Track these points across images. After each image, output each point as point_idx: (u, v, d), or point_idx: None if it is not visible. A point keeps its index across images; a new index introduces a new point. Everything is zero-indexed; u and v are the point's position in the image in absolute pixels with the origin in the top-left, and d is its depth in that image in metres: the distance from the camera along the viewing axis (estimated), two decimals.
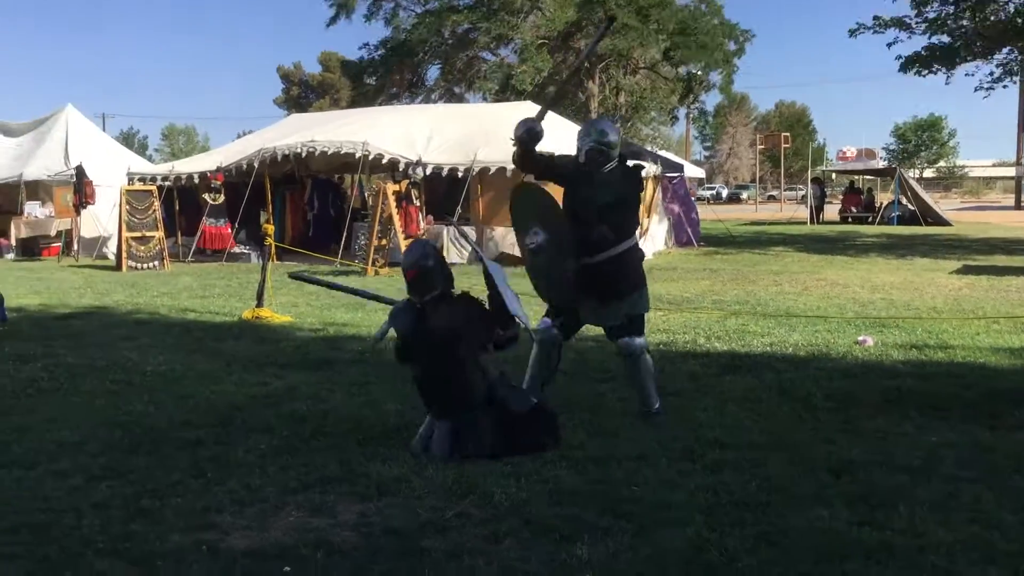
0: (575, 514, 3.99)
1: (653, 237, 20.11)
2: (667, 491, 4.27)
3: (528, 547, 3.65)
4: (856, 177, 39.79)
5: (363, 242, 16.27)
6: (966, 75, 26.25)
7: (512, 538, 3.74)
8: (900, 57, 24.96)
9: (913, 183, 33.65)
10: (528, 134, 5.42)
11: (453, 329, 4.94)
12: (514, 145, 5.50)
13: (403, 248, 15.64)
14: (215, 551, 3.65)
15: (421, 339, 5.00)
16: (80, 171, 19.44)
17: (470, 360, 4.98)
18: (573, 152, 5.62)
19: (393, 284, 13.73)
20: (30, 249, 20.96)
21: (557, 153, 6.05)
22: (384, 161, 17.64)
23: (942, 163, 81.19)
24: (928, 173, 79.34)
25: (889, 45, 25.06)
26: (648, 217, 20.16)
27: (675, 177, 22.50)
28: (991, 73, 25.03)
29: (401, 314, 5.13)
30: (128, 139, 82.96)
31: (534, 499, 4.18)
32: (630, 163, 5.60)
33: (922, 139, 78.45)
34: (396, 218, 15.76)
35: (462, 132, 18.43)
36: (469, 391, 4.94)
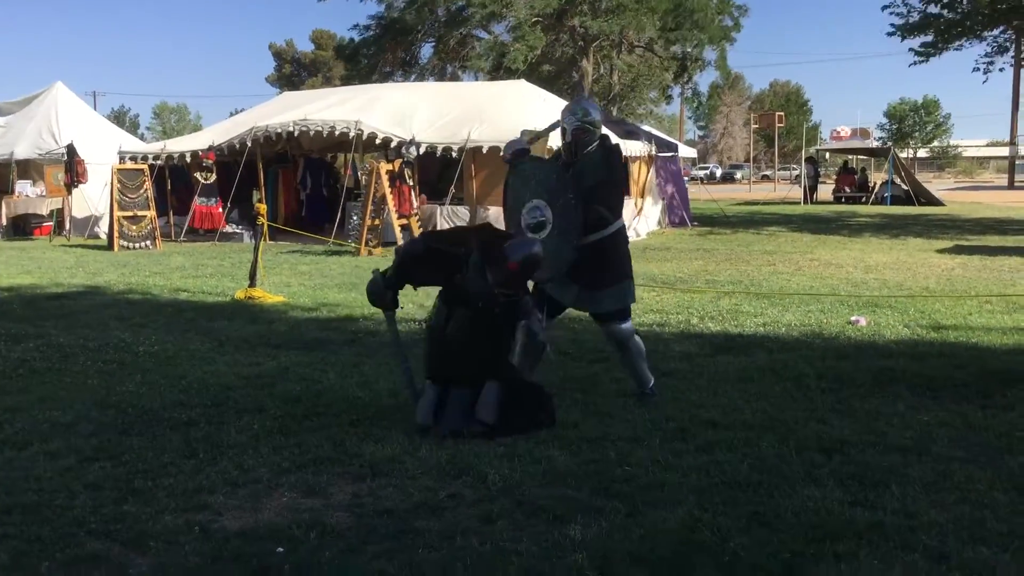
0: (568, 494, 4.00)
1: (647, 217, 20.10)
2: (660, 471, 4.27)
3: (521, 527, 3.65)
4: (850, 157, 39.75)
5: (356, 222, 16.21)
6: (955, 49, 26.23)
7: (505, 519, 3.74)
8: (894, 26, 24.92)
9: (902, 163, 33.63)
10: (518, 155, 5.53)
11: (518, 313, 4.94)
12: (507, 162, 5.56)
13: (396, 228, 15.63)
14: (207, 532, 3.64)
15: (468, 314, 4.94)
16: (71, 150, 19.33)
17: (500, 333, 4.99)
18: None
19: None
20: (21, 229, 20.85)
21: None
22: (377, 140, 17.56)
23: (936, 143, 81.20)
24: (922, 153, 79.36)
25: (884, 8, 25.02)
26: (642, 197, 20.15)
27: (669, 157, 22.45)
28: (985, 53, 25.02)
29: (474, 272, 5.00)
30: (119, 117, 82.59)
31: (527, 479, 4.18)
32: (611, 142, 5.58)
33: (916, 120, 78.41)
34: (389, 198, 15.70)
35: (455, 111, 18.35)
36: (490, 362, 4.94)
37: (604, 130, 5.73)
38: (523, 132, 5.74)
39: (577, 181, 5.30)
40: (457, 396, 4.91)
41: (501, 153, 5.66)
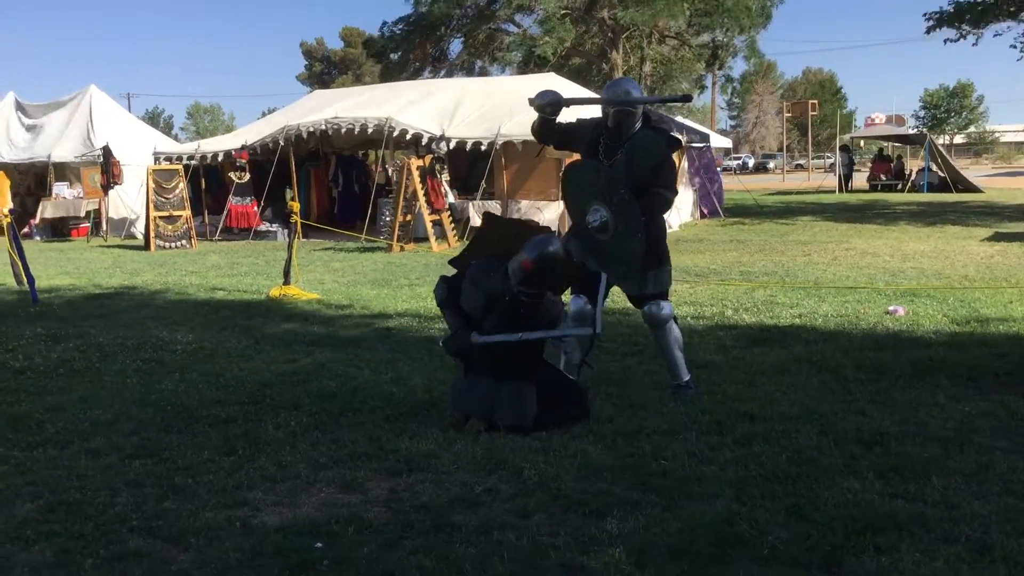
0: (604, 488, 3.99)
1: (679, 208, 19.96)
2: (697, 465, 4.25)
3: (558, 522, 3.65)
4: (885, 144, 39.21)
5: (388, 218, 16.28)
6: (995, 35, 25.81)
7: (542, 513, 3.74)
8: (928, 15, 24.55)
9: (939, 150, 33.14)
10: (551, 106, 5.36)
11: (546, 316, 4.94)
12: (537, 111, 5.44)
13: (428, 223, 15.68)
14: (247, 527, 3.68)
15: (504, 312, 4.92)
16: (107, 151, 19.59)
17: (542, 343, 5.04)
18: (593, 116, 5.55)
19: (419, 260, 13.77)
20: (59, 230, 21.17)
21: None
22: (408, 136, 17.62)
23: (972, 128, 79.92)
24: (958, 139, 78.15)
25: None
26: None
27: (701, 147, 22.30)
28: (1023, 33, 24.57)
29: (492, 274, 4.97)
30: (154, 119, 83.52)
31: (563, 474, 4.17)
32: (656, 121, 5.51)
33: (952, 105, 77.22)
34: (420, 193, 15.75)
35: (486, 106, 18.35)
36: (528, 362, 4.97)
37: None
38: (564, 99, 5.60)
39: (628, 165, 5.23)
40: (508, 392, 4.91)
41: (530, 96, 5.46)
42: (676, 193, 5.47)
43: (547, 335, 4.99)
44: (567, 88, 20.71)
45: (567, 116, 5.60)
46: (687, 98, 5.60)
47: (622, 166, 5.25)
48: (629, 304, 5.85)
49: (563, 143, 5.74)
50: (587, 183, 5.29)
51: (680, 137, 19.82)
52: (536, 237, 4.99)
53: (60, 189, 21.76)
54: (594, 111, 5.67)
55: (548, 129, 5.53)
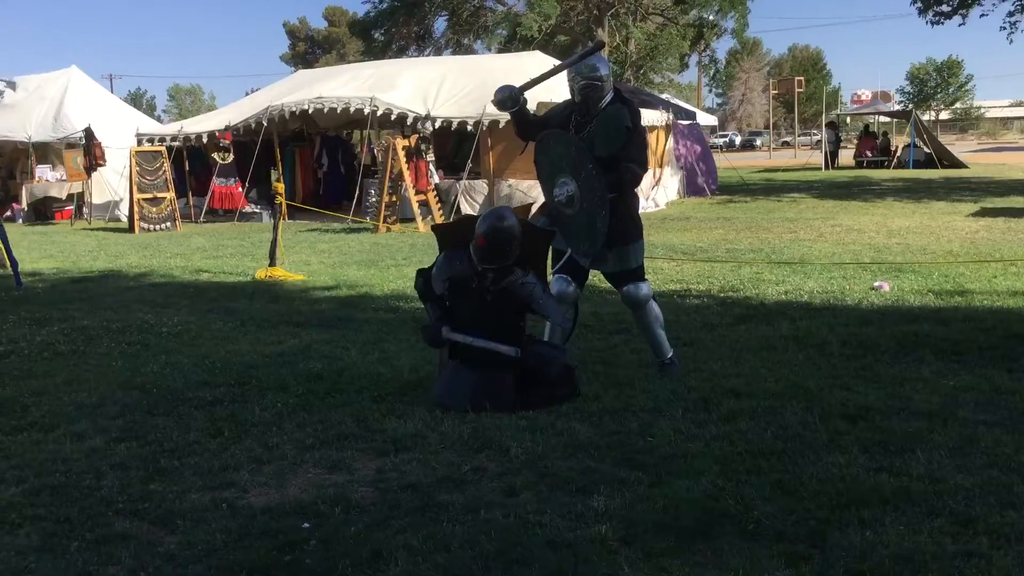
0: (591, 466, 4.00)
1: (666, 187, 19.96)
2: (683, 441, 4.26)
3: (545, 500, 3.66)
4: (871, 121, 39.30)
5: (374, 199, 16.21)
6: (981, 16, 25.83)
7: (529, 491, 3.75)
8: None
9: (924, 125, 33.19)
10: (510, 99, 5.35)
11: (513, 300, 4.91)
12: (498, 108, 5.42)
13: (413, 204, 15.64)
14: (234, 509, 3.67)
15: (473, 298, 4.94)
16: (89, 133, 19.39)
17: (518, 327, 5.00)
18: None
19: (405, 240, 13.73)
20: (42, 213, 21.00)
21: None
22: (393, 116, 17.51)
23: (958, 105, 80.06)
24: (944, 115, 78.31)
25: None
26: (661, 167, 20.01)
27: (687, 124, 22.27)
28: (1009, 12, 24.58)
29: (457, 261, 5.00)
30: (136, 100, 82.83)
31: (550, 452, 4.18)
32: (624, 96, 5.48)
33: (938, 81, 77.29)
34: (406, 173, 15.68)
35: (471, 84, 18.23)
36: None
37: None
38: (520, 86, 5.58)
39: (597, 139, 5.21)
40: (464, 375, 4.92)
41: (492, 99, 5.47)
42: (646, 169, 5.45)
43: (486, 346, 4.91)
44: (552, 66, 20.63)
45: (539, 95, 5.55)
46: (599, 44, 5.55)
47: (591, 140, 5.23)
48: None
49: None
50: (557, 156, 5.30)
51: (663, 112, 19.87)
52: (488, 211, 5.01)
53: (42, 171, 21.56)
54: (564, 92, 5.64)
55: (524, 125, 5.51)
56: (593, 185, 5.09)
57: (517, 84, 5.49)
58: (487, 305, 4.91)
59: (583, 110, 5.34)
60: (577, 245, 5.33)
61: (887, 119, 40.78)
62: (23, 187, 21.27)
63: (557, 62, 23.35)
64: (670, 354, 5.55)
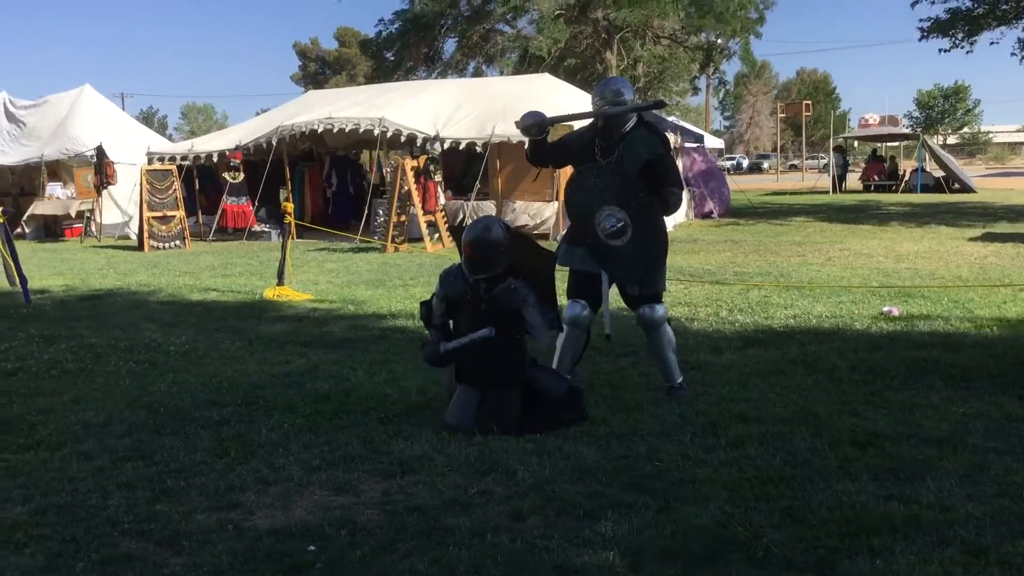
0: (598, 490, 3.98)
1: None
2: (691, 466, 4.24)
3: (552, 524, 3.64)
4: (879, 145, 39.29)
5: (382, 219, 16.26)
6: (991, 44, 25.86)
7: (536, 515, 3.73)
8: (922, 22, 24.60)
9: (937, 149, 33.19)
10: (536, 127, 5.32)
11: (509, 311, 4.91)
12: (522, 133, 5.41)
13: (422, 224, 15.67)
14: (240, 530, 3.66)
15: (471, 310, 4.96)
16: (100, 151, 19.53)
17: (517, 341, 4.98)
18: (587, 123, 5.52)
19: (413, 260, 13.75)
20: (52, 230, 21.09)
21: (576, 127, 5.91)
22: (402, 137, 17.59)
23: (966, 129, 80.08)
24: (952, 140, 78.30)
25: (913, 4, 24.68)
26: None
27: (695, 148, 22.30)
28: (1018, 39, 24.58)
29: (451, 278, 5.07)
30: (148, 118, 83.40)
31: (557, 476, 4.16)
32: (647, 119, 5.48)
33: (945, 107, 77.36)
34: (415, 194, 15.72)
35: (480, 106, 18.33)
36: (508, 368, 4.93)
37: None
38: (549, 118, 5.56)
39: (626, 163, 5.19)
40: (467, 396, 4.91)
41: (516, 120, 5.42)
42: (683, 189, 5.50)
43: (471, 339, 4.89)
44: (562, 88, 20.73)
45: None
46: (660, 104, 5.55)
47: (622, 165, 5.22)
48: (623, 305, 5.83)
49: (559, 159, 5.70)
50: (598, 188, 5.25)
51: (672, 136, 19.91)
52: (475, 220, 5.06)
53: (53, 189, 21.69)
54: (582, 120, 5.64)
55: (540, 151, 5.49)
56: (647, 212, 5.15)
57: (526, 109, 5.49)
58: (483, 315, 4.92)
59: (605, 135, 5.32)
60: (629, 274, 5.33)
61: (895, 143, 40.76)
62: (34, 204, 21.37)
63: (566, 85, 23.34)
64: (680, 379, 5.53)
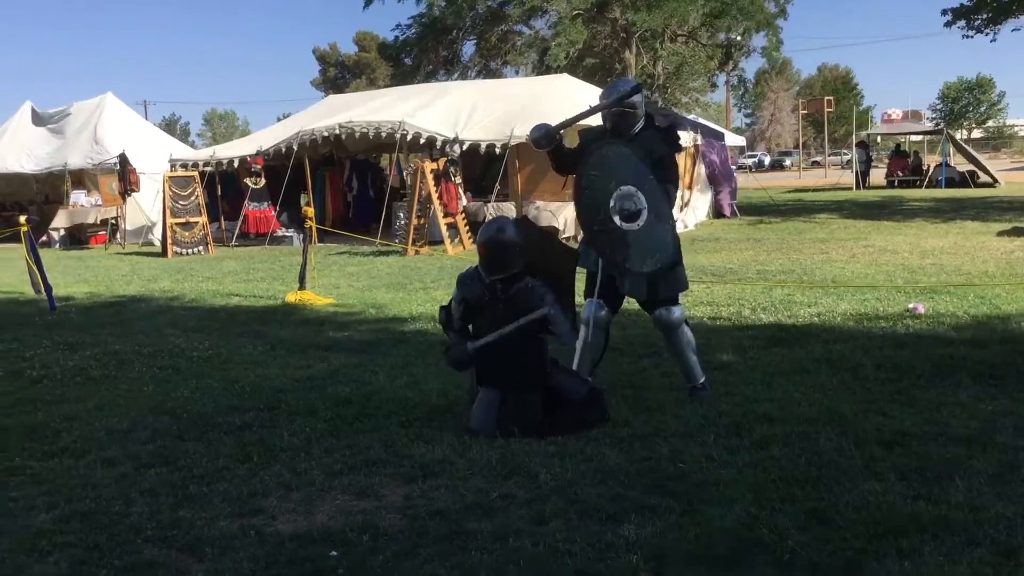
0: (621, 493, 3.95)
1: (695, 208, 19.88)
2: (715, 468, 4.20)
3: (574, 528, 3.61)
4: (902, 140, 38.96)
5: (403, 222, 16.28)
6: (1013, 31, 25.59)
7: (558, 519, 3.70)
8: (946, 11, 24.37)
9: (961, 143, 32.85)
10: (545, 138, 5.29)
11: (527, 311, 4.87)
12: (533, 146, 5.39)
13: (442, 226, 15.68)
14: (262, 536, 3.66)
15: (489, 311, 4.94)
16: (123, 159, 19.68)
17: (538, 342, 4.95)
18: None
19: (434, 263, 13.75)
20: (77, 238, 21.30)
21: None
22: (421, 140, 17.61)
23: (990, 123, 79.20)
24: (976, 133, 77.48)
25: None
26: (689, 189, 19.95)
27: (716, 145, 22.15)
28: None
29: (468, 280, 5.05)
30: (171, 126, 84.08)
31: (579, 478, 4.13)
32: (659, 123, 5.45)
33: (970, 100, 76.59)
34: (435, 196, 15.74)
35: (499, 108, 18.32)
36: (530, 370, 4.91)
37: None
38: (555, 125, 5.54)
39: None
40: (489, 398, 4.89)
41: (527, 135, 5.42)
42: (677, 188, 5.44)
43: (512, 329, 4.84)
44: (580, 88, 20.67)
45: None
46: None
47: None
48: (636, 306, 5.80)
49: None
50: (617, 164, 5.14)
51: (691, 134, 19.81)
52: (488, 221, 5.03)
53: (78, 197, 21.90)
54: (595, 119, 5.61)
55: (561, 160, 5.46)
56: (658, 196, 5.08)
57: (545, 109, 5.52)
58: (502, 316, 4.90)
59: (615, 136, 5.31)
60: (646, 259, 5.15)
61: (918, 138, 40.40)
62: (58, 212, 21.60)
63: (585, 85, 23.33)
64: (702, 379, 5.49)
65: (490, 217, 16.53)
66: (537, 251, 5.05)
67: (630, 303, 5.86)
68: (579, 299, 5.30)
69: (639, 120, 5.32)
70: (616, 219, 5.10)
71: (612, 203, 5.10)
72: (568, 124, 5.50)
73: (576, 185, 5.30)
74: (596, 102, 5.46)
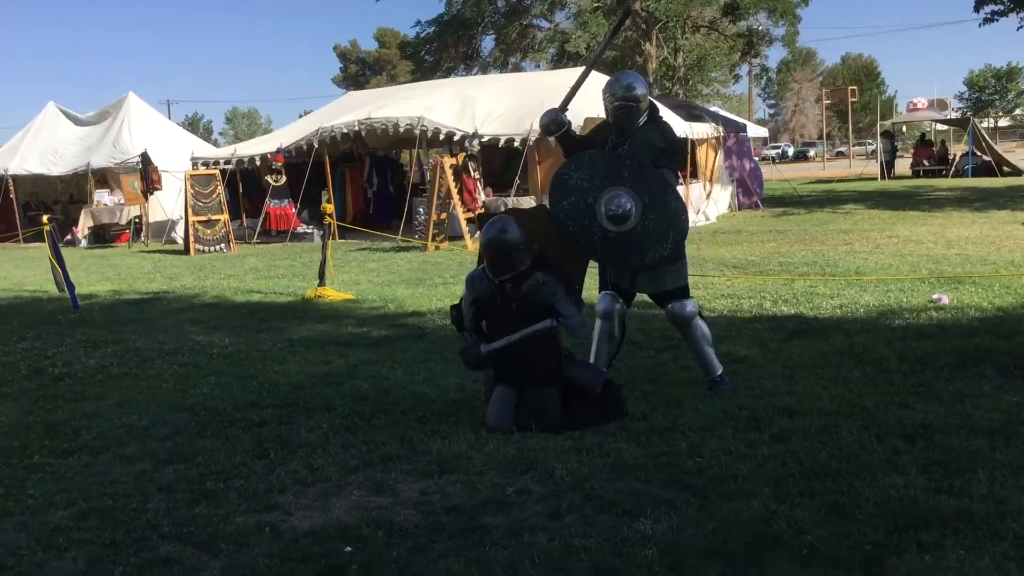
0: (638, 488, 3.91)
1: (717, 201, 19.75)
2: (733, 462, 4.15)
3: (590, 522, 3.58)
4: (928, 129, 38.52)
5: (423, 217, 16.28)
6: None
7: (574, 514, 3.67)
8: None
9: (982, 133, 32.40)
10: (553, 123, 5.33)
11: (541, 307, 4.84)
12: (544, 135, 5.40)
13: (462, 221, 15.67)
14: (277, 532, 3.66)
15: (501, 310, 4.92)
16: (145, 158, 19.83)
17: (552, 337, 4.91)
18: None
19: (454, 258, 13.75)
20: (102, 237, 21.49)
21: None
22: (441, 135, 17.60)
23: (1018, 112, 78.13)
24: (1003, 122, 76.49)
25: None
26: (711, 181, 19.83)
27: (739, 136, 22.00)
28: None
29: (477, 281, 5.03)
30: (193, 124, 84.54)
31: (596, 473, 4.10)
32: (660, 116, 5.42)
33: (997, 88, 75.54)
34: (454, 192, 15.72)
35: (518, 102, 18.26)
36: (543, 366, 4.88)
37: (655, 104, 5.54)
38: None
39: (637, 155, 5.14)
40: (504, 396, 4.87)
41: (537, 122, 5.43)
42: (678, 178, 5.39)
43: (523, 335, 4.82)
44: (600, 81, 20.55)
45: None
46: (627, 11, 5.47)
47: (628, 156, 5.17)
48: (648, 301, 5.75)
49: None
50: (603, 170, 5.12)
51: (711, 125, 19.65)
52: (490, 221, 5.00)
53: (101, 196, 22.09)
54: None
55: (571, 147, 5.44)
56: (665, 195, 5.04)
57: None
58: (514, 315, 4.87)
59: (618, 130, 5.29)
60: (643, 257, 5.11)
61: (944, 127, 39.92)
62: (82, 211, 21.81)
63: (605, 77, 23.25)
64: (719, 371, 5.44)
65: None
66: (551, 245, 5.02)
67: (646, 297, 5.81)
68: (591, 293, 5.27)
69: (642, 114, 5.28)
70: (606, 222, 5.08)
71: (603, 204, 5.06)
72: (569, 98, 5.52)
73: (556, 184, 5.28)
74: (603, 95, 5.41)
